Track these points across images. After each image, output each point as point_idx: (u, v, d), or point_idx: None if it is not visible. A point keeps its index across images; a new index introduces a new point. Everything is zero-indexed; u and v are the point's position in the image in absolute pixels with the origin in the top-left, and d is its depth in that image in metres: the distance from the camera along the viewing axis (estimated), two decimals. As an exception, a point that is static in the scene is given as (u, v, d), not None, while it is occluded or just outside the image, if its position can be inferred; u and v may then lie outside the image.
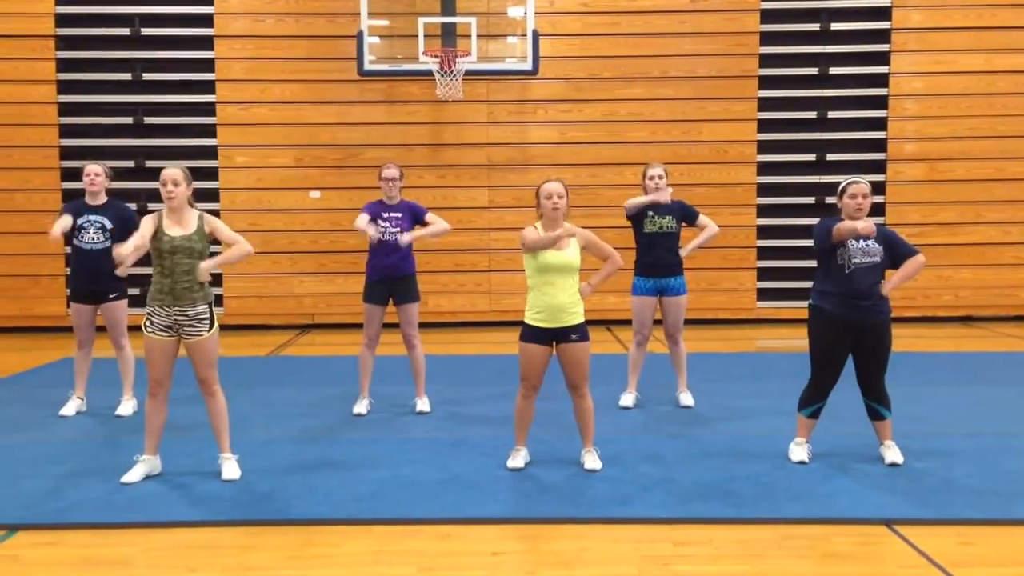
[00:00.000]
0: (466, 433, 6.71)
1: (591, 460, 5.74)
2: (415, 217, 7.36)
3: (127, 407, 7.34)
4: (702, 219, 7.54)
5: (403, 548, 4.59)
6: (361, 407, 7.35)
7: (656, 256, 7.35)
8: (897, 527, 4.80)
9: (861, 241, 5.64)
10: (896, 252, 5.74)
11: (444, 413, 7.34)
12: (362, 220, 7.19)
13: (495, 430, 6.70)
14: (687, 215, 7.49)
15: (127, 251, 5.50)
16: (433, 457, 6.01)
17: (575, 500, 5.19)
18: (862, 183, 5.73)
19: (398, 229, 7.24)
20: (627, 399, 7.55)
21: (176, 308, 5.46)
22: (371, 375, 7.45)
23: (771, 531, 4.77)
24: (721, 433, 6.69)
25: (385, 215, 7.29)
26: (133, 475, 5.52)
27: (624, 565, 4.38)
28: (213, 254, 5.62)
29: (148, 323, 5.51)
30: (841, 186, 5.80)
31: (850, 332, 5.69)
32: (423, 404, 7.41)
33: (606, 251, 5.71)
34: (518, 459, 5.81)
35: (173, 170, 5.52)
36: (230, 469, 5.59)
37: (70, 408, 7.35)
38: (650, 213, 7.34)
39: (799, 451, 5.91)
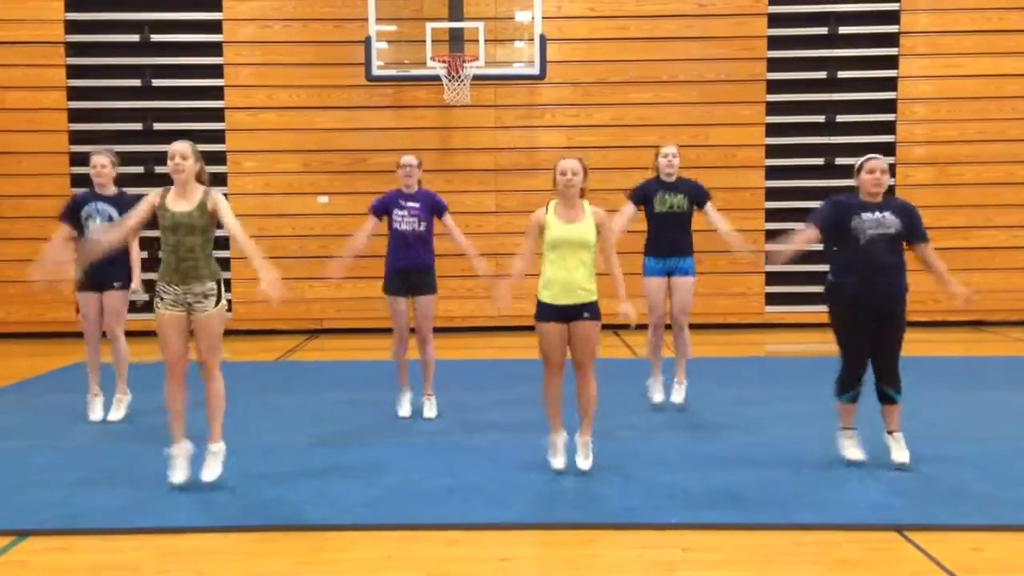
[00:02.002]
0: (475, 438, 6.70)
1: (582, 458, 5.70)
2: (433, 208, 7.26)
3: (119, 410, 7.25)
4: (709, 208, 7.40)
5: (412, 554, 4.59)
6: (404, 409, 7.35)
7: (666, 237, 7.32)
8: (908, 533, 4.77)
9: (876, 212, 5.64)
10: (913, 227, 5.71)
11: (453, 418, 7.33)
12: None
13: (504, 435, 6.70)
14: (699, 197, 7.39)
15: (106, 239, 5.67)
16: (441, 462, 6.00)
17: (584, 505, 5.18)
18: (880, 159, 5.73)
19: (415, 219, 7.18)
20: (655, 391, 7.49)
21: (184, 287, 5.43)
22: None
23: (781, 537, 4.75)
24: (730, 438, 6.66)
25: (403, 203, 7.22)
26: (178, 475, 5.44)
27: (632, 571, 4.37)
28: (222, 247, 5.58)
29: (158, 300, 5.48)
30: (858, 162, 5.78)
31: (869, 310, 5.67)
32: (429, 408, 7.36)
33: (609, 243, 5.66)
34: (559, 451, 5.71)
35: (182, 144, 5.49)
36: (211, 468, 5.47)
37: (96, 409, 7.27)
38: (660, 192, 7.29)
39: (850, 446, 5.85)
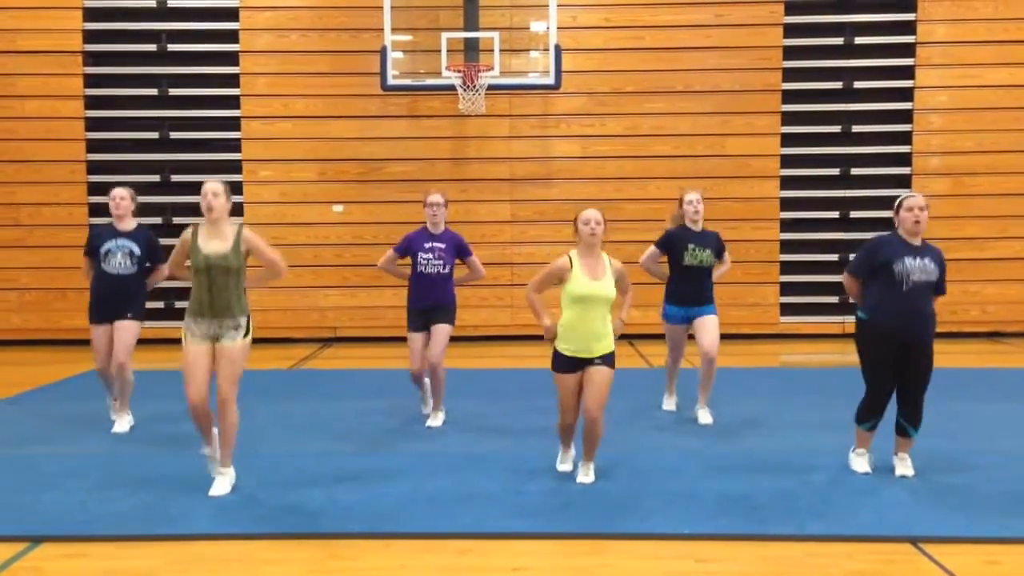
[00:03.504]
0: (487, 447, 6.70)
1: (584, 474, 5.76)
2: (458, 251, 7.32)
3: (124, 424, 7.27)
4: (725, 256, 7.59)
5: (423, 563, 4.58)
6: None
7: (691, 288, 7.36)
8: (922, 545, 4.74)
9: (918, 259, 5.64)
10: (942, 279, 5.79)
11: (465, 427, 7.33)
12: None
13: (516, 444, 6.69)
14: (719, 250, 7.49)
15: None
16: (453, 471, 6.00)
17: (596, 515, 5.17)
18: (918, 197, 5.76)
19: (441, 262, 7.20)
20: (669, 403, 7.77)
21: (217, 320, 5.51)
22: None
23: (794, 548, 4.72)
24: (744, 448, 6.64)
25: (428, 245, 7.23)
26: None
27: (646, 581, 4.36)
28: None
29: (188, 333, 5.54)
30: (897, 201, 5.80)
31: (900, 347, 5.67)
32: (434, 419, 7.37)
33: (627, 288, 5.84)
34: (567, 462, 5.98)
35: (214, 183, 5.56)
36: (219, 486, 5.55)
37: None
38: (691, 246, 7.30)
39: (860, 462, 5.92)
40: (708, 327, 7.36)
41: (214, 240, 5.52)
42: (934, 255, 5.73)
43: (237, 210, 12.00)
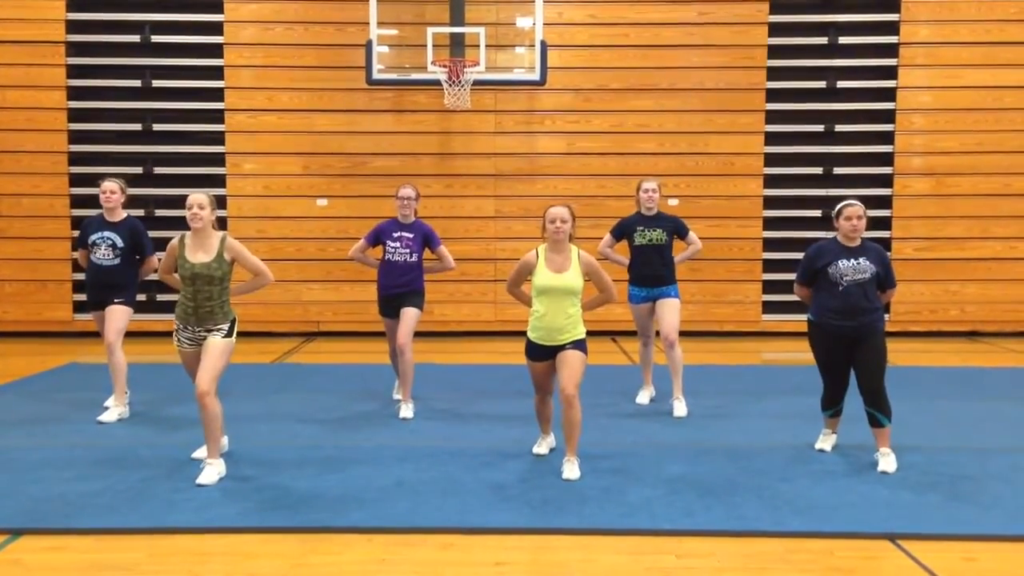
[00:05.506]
0: (469, 441, 6.71)
1: (569, 469, 5.78)
2: (426, 241, 7.52)
3: (112, 414, 7.24)
4: (691, 236, 7.83)
5: (405, 557, 4.59)
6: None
7: (647, 268, 7.66)
8: (901, 542, 4.79)
9: (852, 260, 5.94)
10: (886, 275, 6.09)
11: (448, 421, 7.34)
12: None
13: (499, 439, 6.70)
14: (679, 230, 7.78)
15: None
16: (436, 465, 6.01)
17: (578, 511, 5.19)
18: (856, 205, 6.04)
19: (408, 251, 7.39)
20: (643, 396, 7.94)
21: (202, 327, 5.76)
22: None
23: (775, 544, 4.76)
24: (726, 445, 6.67)
25: (397, 235, 7.44)
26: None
27: (627, 577, 4.38)
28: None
29: (177, 340, 5.87)
30: (837, 208, 6.11)
31: (846, 344, 6.00)
32: (406, 410, 7.42)
33: (605, 283, 5.97)
34: (543, 446, 6.24)
35: (199, 195, 5.76)
36: (206, 475, 5.62)
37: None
38: (639, 228, 7.64)
39: (821, 440, 6.43)
40: (667, 311, 7.64)
41: (199, 251, 5.75)
42: (872, 254, 6.03)
43: (220, 203, 11.96)
